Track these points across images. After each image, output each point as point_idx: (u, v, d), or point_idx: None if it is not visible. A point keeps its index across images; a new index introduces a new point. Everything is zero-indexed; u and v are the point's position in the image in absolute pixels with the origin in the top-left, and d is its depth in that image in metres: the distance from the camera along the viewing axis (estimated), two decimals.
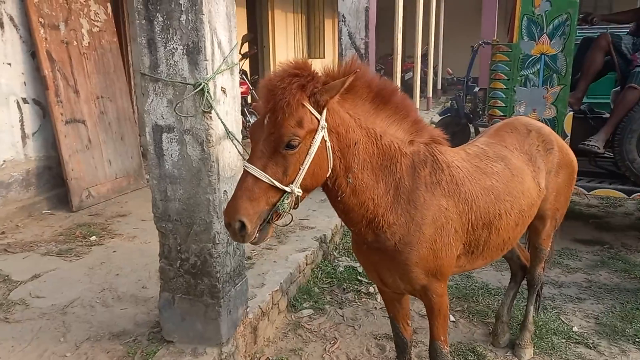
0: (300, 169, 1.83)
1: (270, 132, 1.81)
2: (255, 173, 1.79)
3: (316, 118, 1.85)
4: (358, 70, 1.90)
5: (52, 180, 5.31)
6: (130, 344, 2.84)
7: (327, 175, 1.94)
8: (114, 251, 4.15)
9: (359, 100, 2.03)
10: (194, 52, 2.43)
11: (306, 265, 4.07)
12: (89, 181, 5.33)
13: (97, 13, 5.65)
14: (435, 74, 16.20)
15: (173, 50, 2.45)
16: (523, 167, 2.61)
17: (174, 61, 2.46)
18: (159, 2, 2.42)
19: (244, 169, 1.83)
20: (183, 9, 2.39)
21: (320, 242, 4.41)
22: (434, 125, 9.22)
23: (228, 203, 1.84)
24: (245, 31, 9.38)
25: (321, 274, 4.22)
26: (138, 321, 3.09)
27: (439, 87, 16.92)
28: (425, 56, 14.97)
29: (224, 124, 2.51)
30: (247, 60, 8.75)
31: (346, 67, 1.93)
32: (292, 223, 1.92)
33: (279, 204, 1.82)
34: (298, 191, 1.84)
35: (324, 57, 13.73)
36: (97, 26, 5.65)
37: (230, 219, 1.79)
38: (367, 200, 2.05)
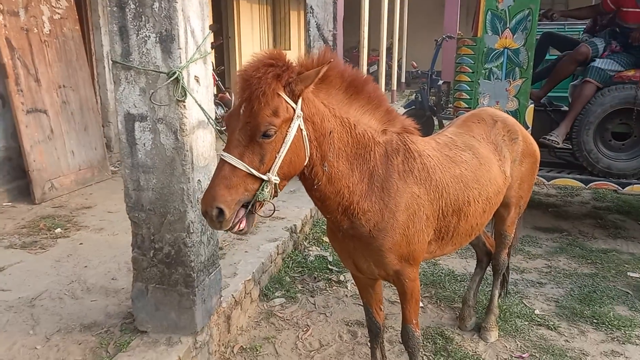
0: (276, 157, 1.86)
1: (247, 121, 1.82)
2: (232, 161, 1.81)
3: (292, 107, 1.87)
4: (332, 60, 1.94)
5: (13, 171, 5.15)
6: (103, 335, 2.82)
7: (305, 163, 1.98)
8: (81, 243, 4.08)
9: (332, 90, 2.06)
10: (167, 40, 2.41)
11: (277, 255, 4.10)
12: (52, 172, 5.20)
13: (59, 0, 5.49)
14: (400, 67, 16.39)
15: (145, 38, 2.43)
16: (490, 156, 2.71)
17: (147, 49, 2.44)
18: None
19: (221, 157, 1.84)
20: None
21: (290, 232, 4.44)
22: None
23: (205, 191, 1.85)
24: (210, 22, 9.26)
25: (292, 263, 4.26)
26: (109, 312, 3.06)
27: (403, 80, 17.13)
28: (389, 50, 15.13)
29: (202, 109, 2.52)
30: (213, 51, 8.65)
31: (320, 57, 1.96)
32: (275, 210, 1.94)
33: (258, 192, 1.84)
34: (275, 179, 1.87)
35: (289, 49, 13.68)
36: (59, 13, 5.49)
37: (207, 207, 1.80)
38: (343, 188, 2.09)
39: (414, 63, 11.69)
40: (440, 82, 10.05)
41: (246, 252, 3.93)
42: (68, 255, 3.84)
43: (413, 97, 10.43)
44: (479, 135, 2.80)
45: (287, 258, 4.31)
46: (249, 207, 1.85)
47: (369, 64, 16.02)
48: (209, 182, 1.89)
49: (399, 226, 2.18)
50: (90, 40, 6.50)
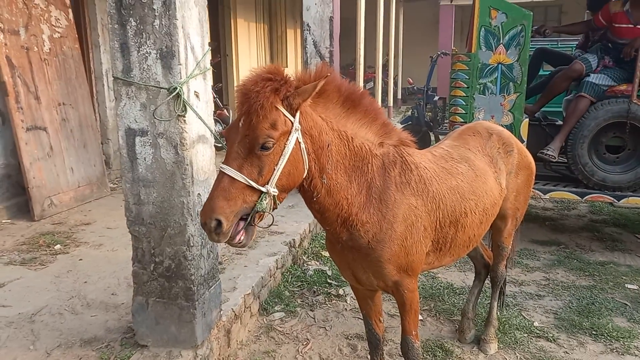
0: (275, 169, 1.89)
1: (245, 134, 1.86)
2: (231, 173, 1.84)
3: (290, 120, 1.91)
4: (329, 74, 1.99)
5: (12, 188, 5.17)
6: (103, 350, 2.82)
7: (304, 176, 2.01)
8: (80, 259, 4.08)
9: (330, 103, 2.11)
10: (168, 57, 2.46)
11: (276, 269, 4.11)
12: (51, 189, 5.22)
13: (58, 19, 5.56)
14: (396, 83, 16.54)
15: (146, 55, 2.48)
16: (486, 168, 2.75)
17: (147, 65, 2.49)
18: (132, 7, 2.44)
19: (220, 169, 1.88)
20: (157, 14, 2.42)
21: (289, 247, 4.46)
22: None
23: (205, 203, 1.88)
24: (208, 40, 9.36)
25: (291, 277, 4.26)
26: (109, 327, 3.06)
27: (399, 96, 17.27)
28: (385, 66, 15.28)
29: (203, 121, 2.56)
30: (211, 68, 8.73)
31: (317, 72, 2.01)
32: (273, 224, 1.97)
33: (257, 204, 1.87)
34: (274, 190, 1.90)
35: (287, 66, 13.81)
36: (58, 32, 5.56)
37: (206, 218, 1.83)
38: (342, 200, 2.12)
39: (410, 79, 11.81)
40: (436, 97, 10.15)
41: (245, 266, 3.95)
42: (68, 271, 3.84)
43: (409, 113, 10.53)
44: (475, 147, 2.84)
45: (286, 272, 4.31)
46: (248, 219, 1.88)
47: (366, 81, 16.16)
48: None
49: (397, 237, 2.21)
50: (90, 58, 6.56)
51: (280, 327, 3.57)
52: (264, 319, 3.66)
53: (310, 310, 3.82)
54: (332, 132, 2.08)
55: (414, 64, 17.87)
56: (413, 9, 18.24)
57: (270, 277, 3.98)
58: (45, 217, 5.06)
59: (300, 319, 3.70)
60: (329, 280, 4.22)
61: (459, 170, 2.58)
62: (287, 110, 1.91)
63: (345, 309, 3.84)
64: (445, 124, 9.47)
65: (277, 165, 1.89)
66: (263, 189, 1.87)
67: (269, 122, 1.85)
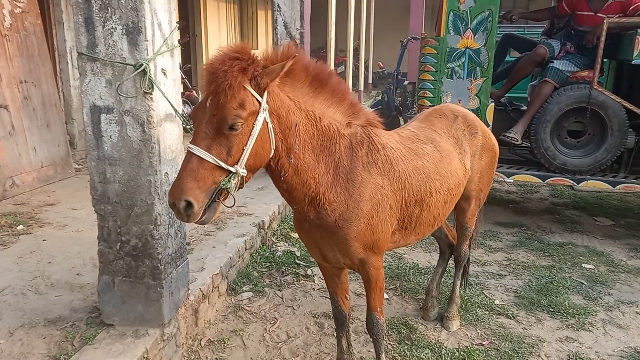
0: (243, 149, 1.90)
1: (213, 113, 1.85)
2: (200, 153, 1.83)
3: (257, 100, 1.91)
4: (296, 54, 1.99)
5: None
6: (68, 329, 2.80)
7: (270, 155, 2.02)
8: (44, 240, 4.01)
9: (297, 83, 2.11)
10: (134, 32, 2.42)
11: (245, 250, 4.13)
12: (13, 169, 5.08)
13: None
14: (367, 68, 16.56)
15: (112, 30, 2.43)
16: (451, 150, 2.81)
17: (113, 41, 2.44)
18: None
19: (188, 150, 1.86)
20: None
21: (258, 228, 4.47)
22: None
23: (173, 184, 1.86)
24: (177, 19, 9.19)
25: (260, 258, 4.29)
26: (75, 307, 3.04)
27: (370, 81, 17.31)
28: (356, 50, 15.27)
29: (168, 101, 2.53)
30: (180, 48, 8.59)
31: (284, 51, 2.01)
32: (234, 206, 1.97)
33: (225, 182, 1.88)
34: (243, 171, 1.91)
35: (257, 48, 13.65)
36: (20, 7, 5.37)
37: (174, 199, 1.82)
38: (309, 179, 2.14)
39: (380, 63, 11.86)
40: (406, 82, 10.21)
41: (214, 247, 3.95)
42: (31, 252, 3.78)
43: (380, 97, 10.58)
44: (441, 129, 2.90)
45: (255, 253, 4.33)
46: (213, 196, 1.88)
47: (337, 65, 16.14)
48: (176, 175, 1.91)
49: (363, 216, 2.25)
50: (53, 35, 6.37)
51: (249, 307, 3.60)
52: (232, 299, 3.69)
53: (279, 290, 3.86)
54: (299, 111, 2.09)
55: (386, 48, 17.91)
56: None
57: (239, 257, 4.00)
58: (7, 197, 4.94)
59: (269, 298, 3.73)
60: (297, 261, 4.27)
61: (425, 151, 2.63)
62: (254, 89, 1.90)
63: (313, 288, 3.89)
64: (414, 109, 9.56)
65: (245, 145, 1.89)
66: (232, 169, 1.87)
67: (237, 102, 1.84)
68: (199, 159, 1.83)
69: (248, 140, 1.90)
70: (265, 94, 1.93)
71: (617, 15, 4.69)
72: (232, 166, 1.87)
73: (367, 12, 15.42)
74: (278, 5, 5.76)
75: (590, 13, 4.85)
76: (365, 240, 2.31)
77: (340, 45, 16.06)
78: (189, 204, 1.81)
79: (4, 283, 3.27)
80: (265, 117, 1.94)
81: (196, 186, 1.81)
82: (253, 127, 1.90)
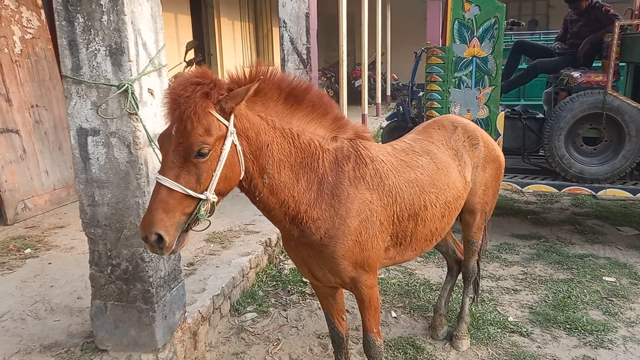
0: (213, 175, 1.83)
1: (179, 142, 1.78)
2: (168, 184, 1.77)
3: (224, 124, 1.84)
4: (262, 77, 1.92)
5: None
6: (62, 355, 2.76)
7: (240, 177, 1.95)
8: (49, 263, 4.02)
9: (269, 102, 2.03)
10: (117, 53, 2.40)
11: (250, 269, 4.06)
12: (25, 193, 5.14)
13: (30, 19, 5.48)
14: (385, 80, 16.47)
15: (95, 52, 2.42)
16: (449, 161, 2.70)
17: (97, 62, 2.43)
18: (79, 3, 2.38)
19: (156, 180, 1.80)
20: (104, 9, 2.36)
21: (265, 246, 4.40)
22: (382, 130, 9.40)
23: (144, 216, 1.80)
24: (190, 38, 9.29)
25: (266, 277, 4.21)
26: (72, 332, 3.00)
27: (388, 93, 17.21)
28: (373, 63, 15.22)
29: (144, 127, 2.47)
30: (194, 67, 8.66)
31: (251, 72, 1.94)
32: (208, 227, 1.90)
33: (195, 211, 1.81)
34: (213, 197, 1.84)
35: (273, 65, 13.72)
36: (30, 33, 5.48)
37: (146, 232, 1.76)
38: (287, 199, 2.06)
39: (395, 75, 11.76)
40: (421, 93, 10.05)
41: (217, 267, 3.89)
42: (35, 275, 3.78)
43: (395, 109, 10.45)
44: (439, 141, 2.79)
45: (261, 272, 4.26)
46: (185, 227, 1.82)
47: (354, 78, 16.14)
48: None
49: (350, 232, 2.16)
50: None
51: (252, 328, 3.52)
52: (235, 320, 3.61)
53: (284, 309, 3.77)
54: (273, 130, 2.01)
55: (404, 60, 17.80)
56: (401, 5, 18.18)
57: (243, 277, 3.92)
58: (19, 220, 4.99)
59: (273, 319, 3.64)
60: (304, 279, 4.17)
61: (419, 163, 2.53)
62: (220, 114, 1.83)
63: (319, 307, 3.77)
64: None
65: (214, 171, 1.83)
66: (202, 197, 1.80)
67: (202, 128, 1.77)
68: (167, 189, 1.76)
69: (217, 165, 1.83)
70: (232, 117, 1.86)
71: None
72: (202, 193, 1.80)
73: (383, 25, 15.39)
74: (284, 21, 5.74)
75: None
76: (355, 258, 2.21)
77: (358, 59, 16.01)
78: (161, 237, 1.74)
79: (5, 308, 3.26)
80: (233, 140, 1.86)
81: (166, 217, 1.75)
82: (221, 151, 1.83)
